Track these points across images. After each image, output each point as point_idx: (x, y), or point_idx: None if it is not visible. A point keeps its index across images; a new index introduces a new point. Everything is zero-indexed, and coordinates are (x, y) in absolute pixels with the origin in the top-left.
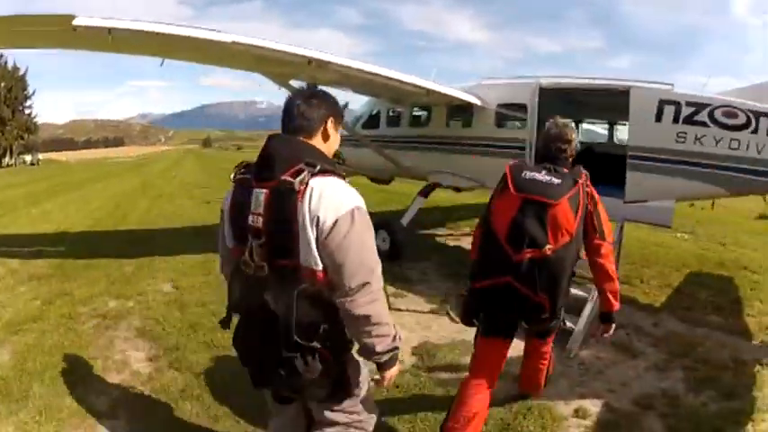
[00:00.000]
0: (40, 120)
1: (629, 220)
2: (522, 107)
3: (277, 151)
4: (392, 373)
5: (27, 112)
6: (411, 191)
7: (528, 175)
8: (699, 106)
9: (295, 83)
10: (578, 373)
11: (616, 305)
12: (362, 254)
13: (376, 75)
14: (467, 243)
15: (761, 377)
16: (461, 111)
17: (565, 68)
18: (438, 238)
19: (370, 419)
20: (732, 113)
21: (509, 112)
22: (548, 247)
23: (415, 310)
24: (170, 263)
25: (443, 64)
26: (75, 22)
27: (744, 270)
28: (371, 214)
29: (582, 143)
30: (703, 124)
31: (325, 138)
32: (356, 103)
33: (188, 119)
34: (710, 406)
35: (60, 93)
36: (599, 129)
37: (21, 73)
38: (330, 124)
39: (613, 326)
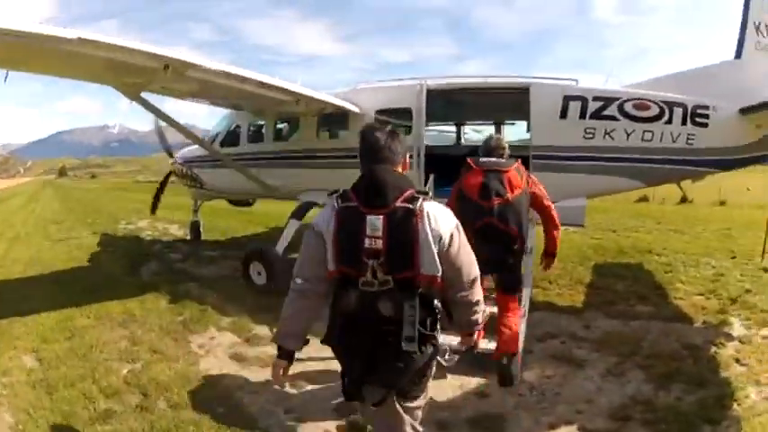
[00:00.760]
0: None
1: (538, 223)
2: (405, 112)
3: (385, 181)
4: (473, 337)
5: None
6: (275, 211)
7: (484, 159)
8: (607, 100)
9: (148, 96)
10: (535, 401)
11: (558, 246)
12: (470, 257)
13: (245, 79)
14: None
15: (721, 357)
16: (334, 120)
17: (415, 75)
18: None
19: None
20: (644, 105)
21: (390, 118)
22: (508, 195)
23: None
24: (30, 325)
25: (294, 77)
26: None
27: (648, 254)
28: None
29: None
30: (613, 118)
31: (404, 168)
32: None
33: (45, 147)
34: (687, 399)
35: None
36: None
37: None
38: (407, 157)
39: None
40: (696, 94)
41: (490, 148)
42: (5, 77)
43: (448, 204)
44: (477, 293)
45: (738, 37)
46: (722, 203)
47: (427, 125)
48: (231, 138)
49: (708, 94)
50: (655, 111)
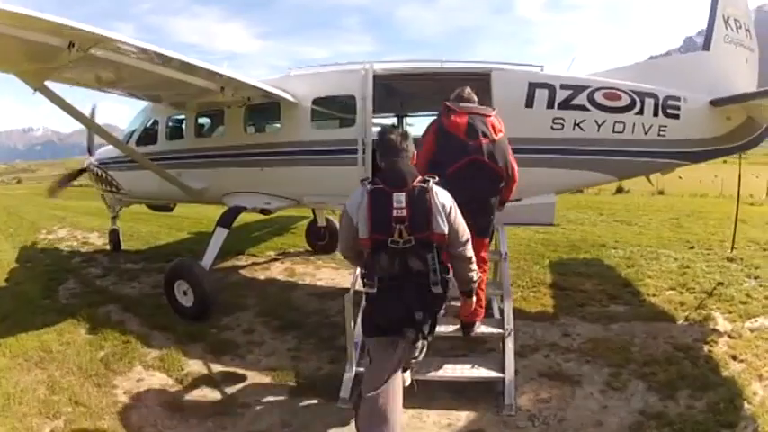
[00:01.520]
0: None
1: (506, 224)
2: (348, 101)
3: (405, 170)
4: (472, 299)
5: None
6: (203, 215)
7: (463, 104)
8: (576, 89)
9: (53, 85)
10: (540, 430)
11: (510, 197)
12: (464, 223)
13: (166, 59)
14: (281, 272)
15: (716, 356)
16: (264, 111)
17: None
18: (243, 272)
19: None
20: (614, 95)
21: (330, 109)
22: (493, 136)
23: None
24: None
25: None
26: None
27: (603, 248)
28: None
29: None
30: (583, 108)
31: (412, 161)
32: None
33: None
34: (698, 406)
35: None
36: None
37: None
38: (415, 154)
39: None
40: (663, 85)
41: (462, 98)
42: None
43: (424, 140)
44: (470, 251)
45: (707, 30)
46: (661, 193)
47: (374, 115)
48: (148, 135)
49: (675, 85)
50: (626, 101)
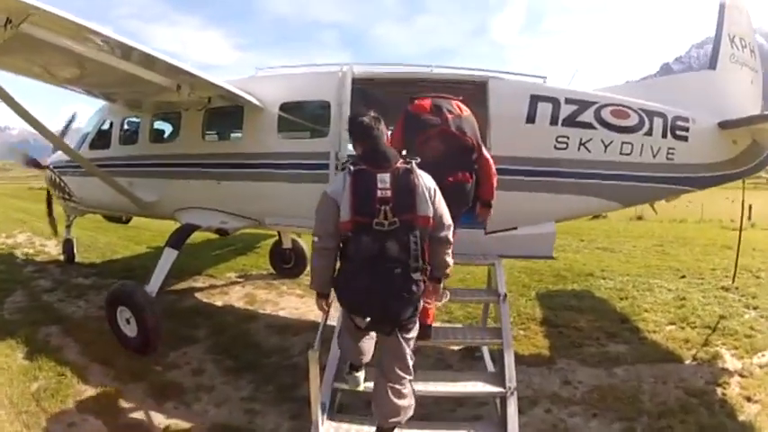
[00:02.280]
0: None
1: (502, 256)
2: (321, 107)
3: (387, 151)
4: (441, 285)
5: None
6: (165, 228)
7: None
8: (582, 104)
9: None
10: None
11: (494, 194)
12: (446, 208)
13: (104, 37)
14: (240, 298)
15: (730, 399)
16: (225, 116)
17: None
18: (199, 296)
19: None
20: (623, 113)
21: (299, 117)
22: (459, 113)
23: None
24: None
25: None
26: None
27: (591, 277)
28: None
29: None
30: (589, 126)
31: (388, 142)
32: None
33: None
34: None
35: None
36: None
37: None
38: (389, 137)
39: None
40: (669, 104)
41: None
42: None
43: (395, 129)
44: (451, 236)
45: (713, 49)
46: (639, 218)
47: None
48: (101, 139)
49: (681, 105)
50: (634, 119)
